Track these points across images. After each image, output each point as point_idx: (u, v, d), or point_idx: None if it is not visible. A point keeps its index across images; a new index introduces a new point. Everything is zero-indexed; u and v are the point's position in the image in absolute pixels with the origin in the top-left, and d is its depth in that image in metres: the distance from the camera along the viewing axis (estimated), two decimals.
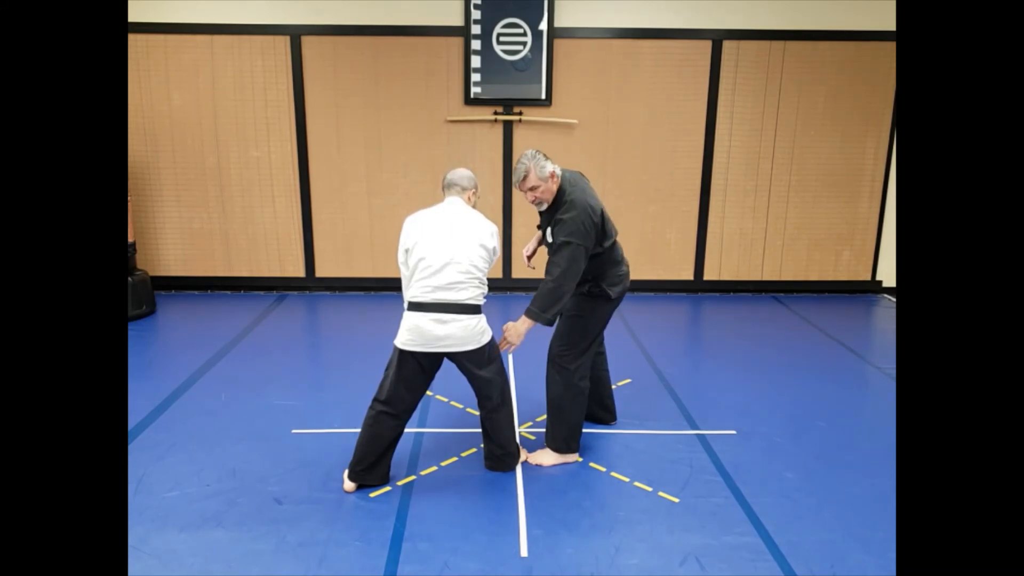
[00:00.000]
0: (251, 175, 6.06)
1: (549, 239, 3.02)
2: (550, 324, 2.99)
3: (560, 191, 3.00)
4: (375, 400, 2.89)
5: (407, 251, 2.83)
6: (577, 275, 2.92)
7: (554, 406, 3.17)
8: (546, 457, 3.18)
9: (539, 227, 3.21)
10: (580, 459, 3.22)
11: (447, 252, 2.77)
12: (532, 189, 2.98)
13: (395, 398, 2.86)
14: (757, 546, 2.60)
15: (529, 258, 3.41)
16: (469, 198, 2.99)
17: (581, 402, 3.17)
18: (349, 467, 2.92)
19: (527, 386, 4.06)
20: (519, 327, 2.97)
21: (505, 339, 3.00)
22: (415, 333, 2.78)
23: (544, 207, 3.06)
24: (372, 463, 2.89)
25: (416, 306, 2.78)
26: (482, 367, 2.92)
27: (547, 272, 2.94)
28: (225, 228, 6.17)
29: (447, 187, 2.99)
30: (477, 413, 3.63)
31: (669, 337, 5.22)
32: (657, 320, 5.61)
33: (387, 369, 2.91)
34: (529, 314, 2.94)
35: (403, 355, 2.84)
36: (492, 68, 5.81)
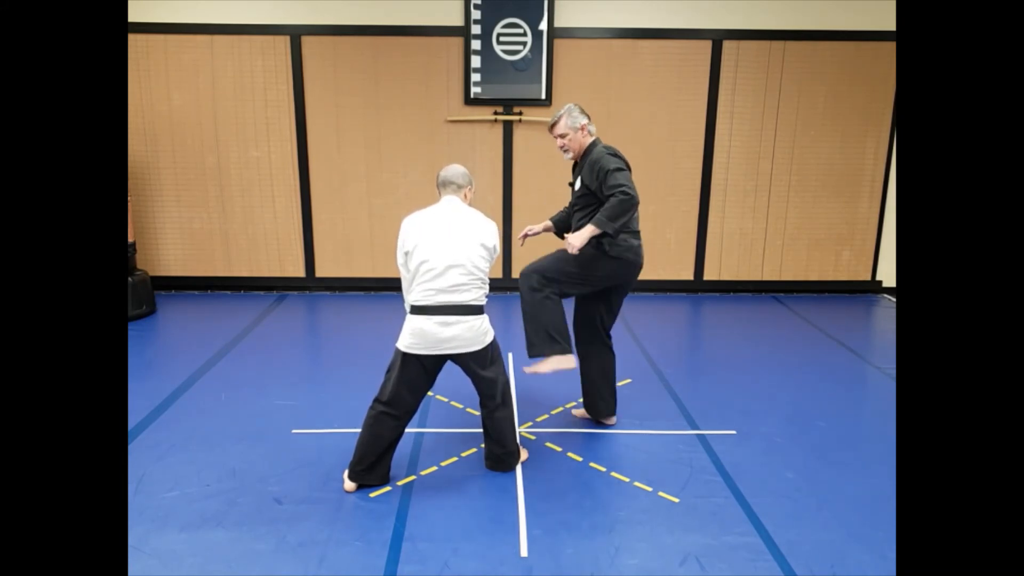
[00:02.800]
0: (251, 175, 6.06)
1: (577, 185, 3.24)
2: (615, 235, 3.06)
3: (591, 145, 3.20)
4: (376, 401, 2.89)
5: (407, 254, 2.82)
6: (634, 190, 2.99)
7: (527, 314, 3.16)
8: (542, 365, 3.13)
9: (570, 183, 3.37)
10: (574, 363, 3.17)
11: (449, 254, 2.76)
12: (561, 136, 3.20)
13: (397, 399, 2.85)
14: (757, 546, 2.60)
15: (526, 236, 3.48)
16: (466, 195, 2.99)
17: (551, 307, 3.13)
18: (349, 467, 2.92)
19: (527, 386, 4.06)
20: (581, 233, 2.99)
21: (570, 244, 3.01)
22: (419, 336, 2.77)
23: (570, 156, 3.27)
24: (372, 463, 2.89)
25: (419, 309, 2.77)
26: (486, 367, 2.92)
27: (610, 196, 2.97)
28: (225, 228, 6.17)
29: (443, 186, 2.98)
30: (477, 413, 3.63)
31: (669, 337, 5.22)
32: (657, 320, 5.61)
33: (389, 371, 2.90)
34: (596, 223, 2.97)
35: (406, 358, 2.83)
36: (492, 68, 5.81)
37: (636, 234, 3.26)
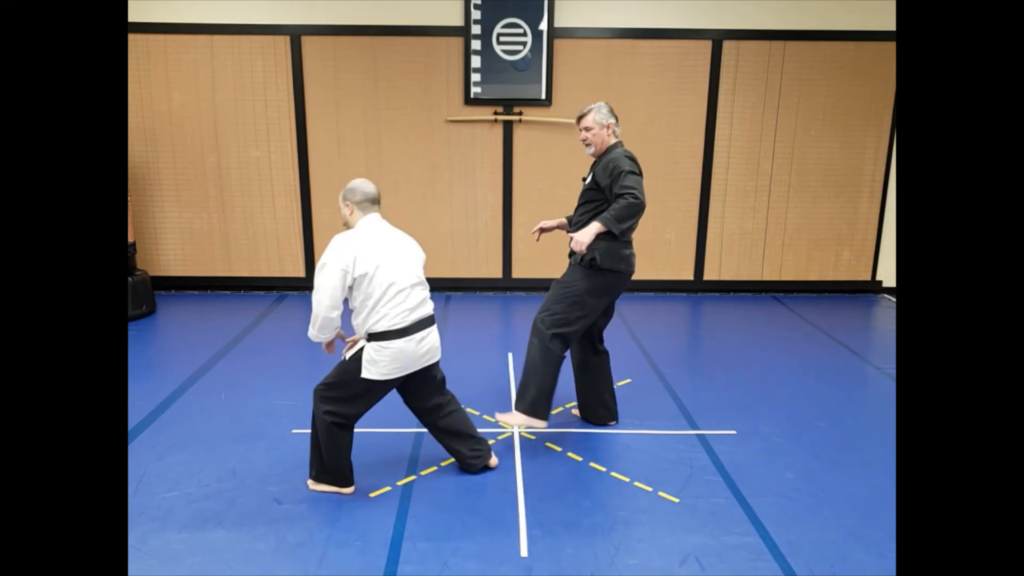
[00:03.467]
0: (251, 175, 6.06)
1: (588, 180, 3.32)
2: (620, 236, 3.12)
3: (613, 146, 3.27)
4: (331, 413, 2.78)
5: (365, 276, 2.70)
6: (644, 196, 3.06)
7: (528, 368, 3.22)
8: (513, 418, 3.23)
9: (583, 179, 3.41)
10: (545, 425, 3.26)
11: (410, 273, 2.79)
12: (586, 128, 3.27)
13: (356, 416, 2.85)
14: (757, 546, 2.60)
15: (542, 231, 3.58)
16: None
17: (553, 368, 3.21)
18: (336, 482, 2.90)
19: None
20: (588, 230, 3.05)
21: (577, 241, 3.06)
22: (401, 359, 2.75)
23: (591, 151, 3.32)
24: (348, 466, 2.90)
25: (397, 333, 2.73)
26: (438, 369, 3.00)
27: (618, 197, 3.05)
28: (225, 228, 6.17)
29: (374, 203, 2.93)
30: (477, 412, 3.65)
31: (669, 337, 5.22)
32: (657, 320, 5.61)
33: (344, 387, 2.79)
34: (602, 220, 3.04)
35: (379, 384, 2.79)
36: (492, 68, 5.81)
37: (628, 243, 3.26)
